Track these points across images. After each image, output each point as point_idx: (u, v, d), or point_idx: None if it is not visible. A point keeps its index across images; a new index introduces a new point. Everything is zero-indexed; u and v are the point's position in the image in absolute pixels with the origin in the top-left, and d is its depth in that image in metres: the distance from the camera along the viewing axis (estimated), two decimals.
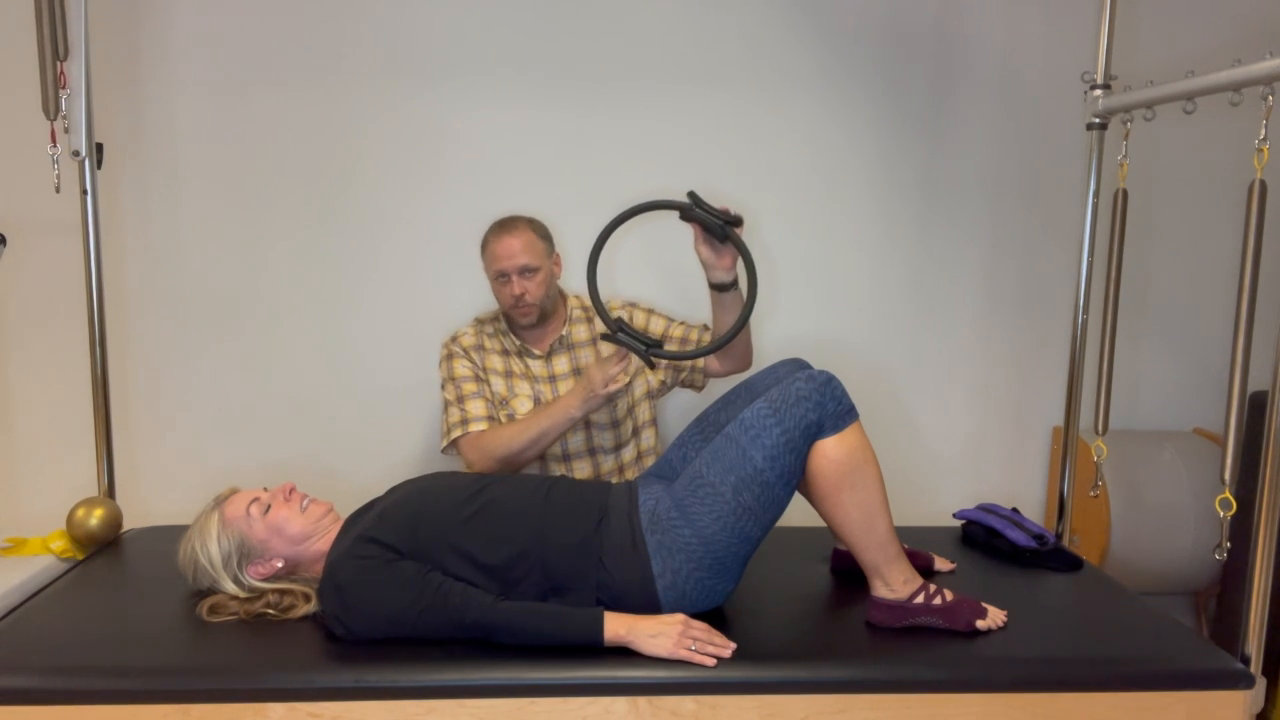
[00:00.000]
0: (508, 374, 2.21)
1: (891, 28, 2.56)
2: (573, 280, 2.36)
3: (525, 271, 2.12)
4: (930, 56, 2.58)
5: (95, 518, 2.06)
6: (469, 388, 2.15)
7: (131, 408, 2.54)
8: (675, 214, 1.91)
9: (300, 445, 2.58)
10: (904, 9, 2.56)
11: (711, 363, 2.24)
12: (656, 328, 2.27)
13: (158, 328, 2.52)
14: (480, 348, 2.22)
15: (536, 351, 2.22)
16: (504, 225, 2.15)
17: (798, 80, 2.56)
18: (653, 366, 1.91)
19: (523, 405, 2.17)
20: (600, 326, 2.25)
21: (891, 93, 2.59)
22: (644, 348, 1.86)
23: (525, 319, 2.17)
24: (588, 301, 2.31)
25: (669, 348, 2.19)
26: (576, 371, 2.22)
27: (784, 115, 2.57)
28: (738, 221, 1.90)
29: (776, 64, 2.55)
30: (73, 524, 2.05)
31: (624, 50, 2.51)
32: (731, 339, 1.93)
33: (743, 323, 1.90)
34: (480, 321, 2.28)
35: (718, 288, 2.02)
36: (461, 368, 2.17)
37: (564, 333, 2.23)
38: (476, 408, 2.12)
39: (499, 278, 2.14)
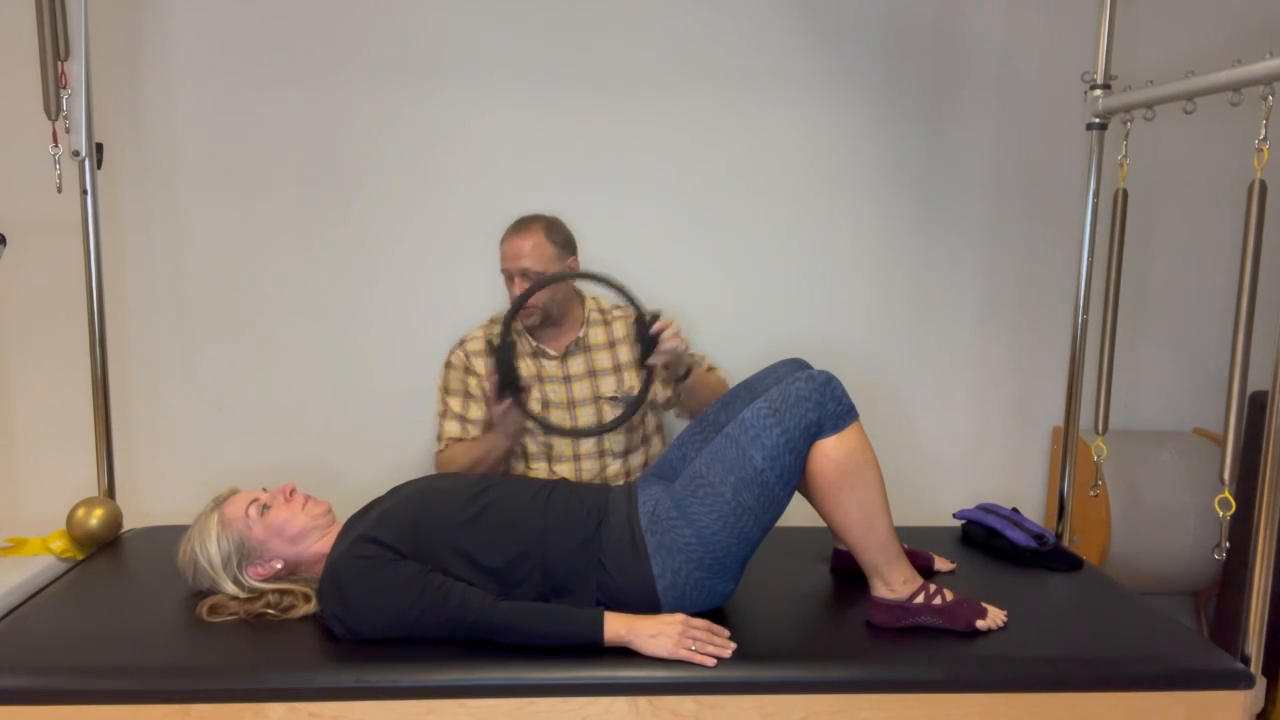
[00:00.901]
0: None
1: (891, 27, 2.56)
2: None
3: (526, 274, 2.13)
4: (930, 56, 2.58)
5: (95, 518, 2.06)
6: (453, 405, 2.20)
7: (131, 408, 2.54)
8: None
9: (300, 445, 2.58)
10: (903, 8, 2.56)
11: (684, 409, 2.28)
12: None
13: (158, 328, 2.52)
14: (488, 353, 2.22)
15: (552, 352, 2.23)
16: (519, 224, 2.18)
17: (797, 80, 2.56)
18: (500, 401, 2.01)
19: (531, 408, 2.18)
20: (619, 332, 2.28)
21: (891, 93, 2.59)
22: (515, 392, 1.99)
23: (527, 320, 2.18)
24: (605, 304, 2.33)
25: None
26: (592, 374, 2.23)
27: (783, 115, 2.57)
28: (649, 349, 2.00)
29: (776, 64, 2.55)
30: (73, 524, 2.05)
31: (626, 52, 2.51)
32: (611, 429, 2.07)
33: (621, 421, 2.05)
34: (494, 321, 2.29)
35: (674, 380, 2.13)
36: (453, 381, 2.22)
37: (580, 335, 2.24)
38: (450, 428, 2.19)
39: (505, 276, 2.17)
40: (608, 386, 2.23)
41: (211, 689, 1.49)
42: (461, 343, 2.25)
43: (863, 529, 1.66)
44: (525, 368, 2.22)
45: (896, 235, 2.64)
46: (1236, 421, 1.66)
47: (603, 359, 2.25)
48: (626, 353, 2.26)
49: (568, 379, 2.22)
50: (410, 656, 1.54)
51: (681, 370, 2.12)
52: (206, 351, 2.54)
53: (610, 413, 2.22)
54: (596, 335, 2.27)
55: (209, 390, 2.55)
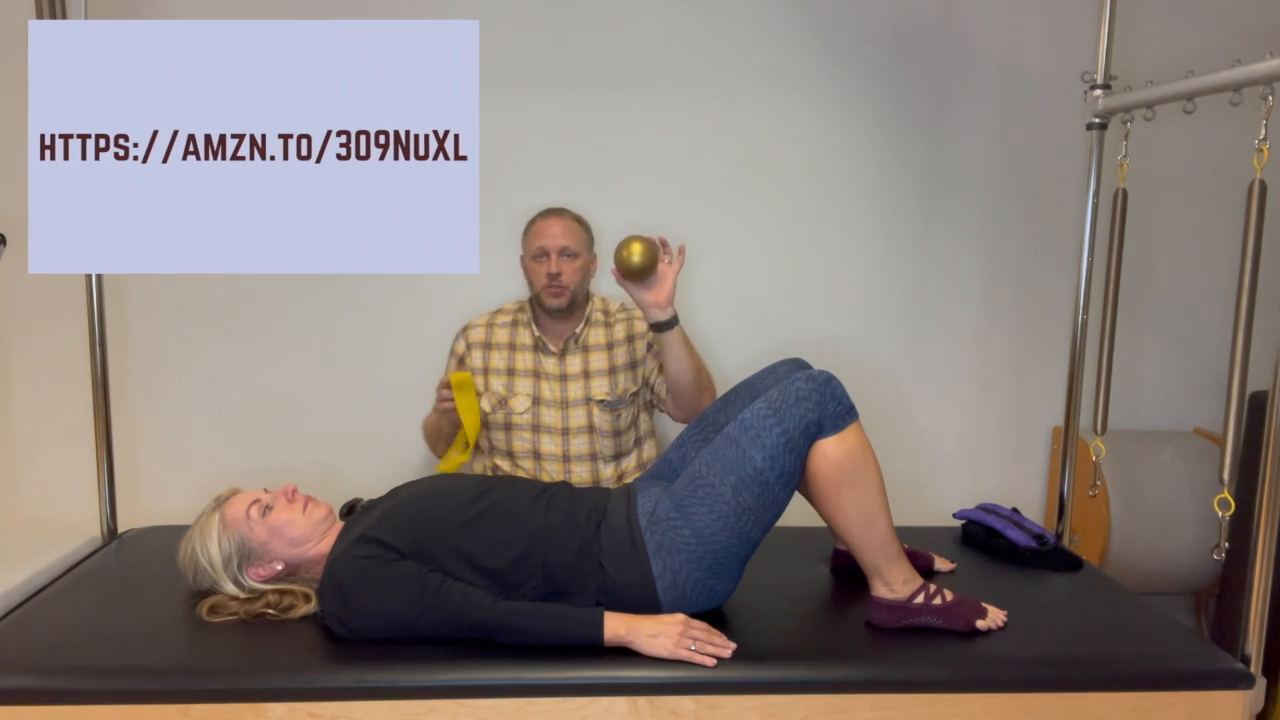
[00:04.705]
0: (510, 371, 2.23)
1: (891, 28, 2.56)
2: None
3: (565, 253, 2.17)
4: (930, 56, 2.58)
5: (636, 254, 1.98)
6: None
7: (131, 408, 2.54)
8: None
9: (300, 445, 2.58)
10: (904, 9, 2.56)
11: (670, 406, 2.23)
12: (639, 351, 2.28)
13: (158, 328, 2.52)
14: (486, 344, 2.27)
15: (552, 348, 2.24)
16: (552, 209, 2.24)
17: (798, 80, 2.56)
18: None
19: (520, 404, 2.20)
20: (619, 333, 2.27)
21: (891, 93, 2.59)
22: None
23: (556, 300, 2.17)
24: (613, 306, 2.33)
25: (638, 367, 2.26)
26: (587, 374, 2.23)
27: (784, 115, 2.57)
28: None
29: (776, 64, 2.55)
30: (620, 260, 1.99)
31: (625, 53, 2.51)
32: None
33: None
34: (497, 313, 2.32)
35: (655, 327, 2.05)
36: (449, 369, 2.30)
37: (577, 331, 2.24)
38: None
39: (538, 256, 2.18)
40: (600, 389, 2.23)
41: (211, 689, 1.49)
42: (466, 329, 2.30)
43: (862, 529, 1.66)
44: (521, 360, 2.24)
45: (897, 235, 2.64)
46: (1236, 421, 1.66)
47: (599, 360, 2.25)
48: (623, 355, 2.26)
49: (564, 377, 2.23)
50: (410, 656, 1.54)
51: (663, 315, 2.03)
52: (206, 351, 2.54)
53: (599, 416, 2.21)
54: (596, 336, 2.27)
55: (209, 390, 2.55)
